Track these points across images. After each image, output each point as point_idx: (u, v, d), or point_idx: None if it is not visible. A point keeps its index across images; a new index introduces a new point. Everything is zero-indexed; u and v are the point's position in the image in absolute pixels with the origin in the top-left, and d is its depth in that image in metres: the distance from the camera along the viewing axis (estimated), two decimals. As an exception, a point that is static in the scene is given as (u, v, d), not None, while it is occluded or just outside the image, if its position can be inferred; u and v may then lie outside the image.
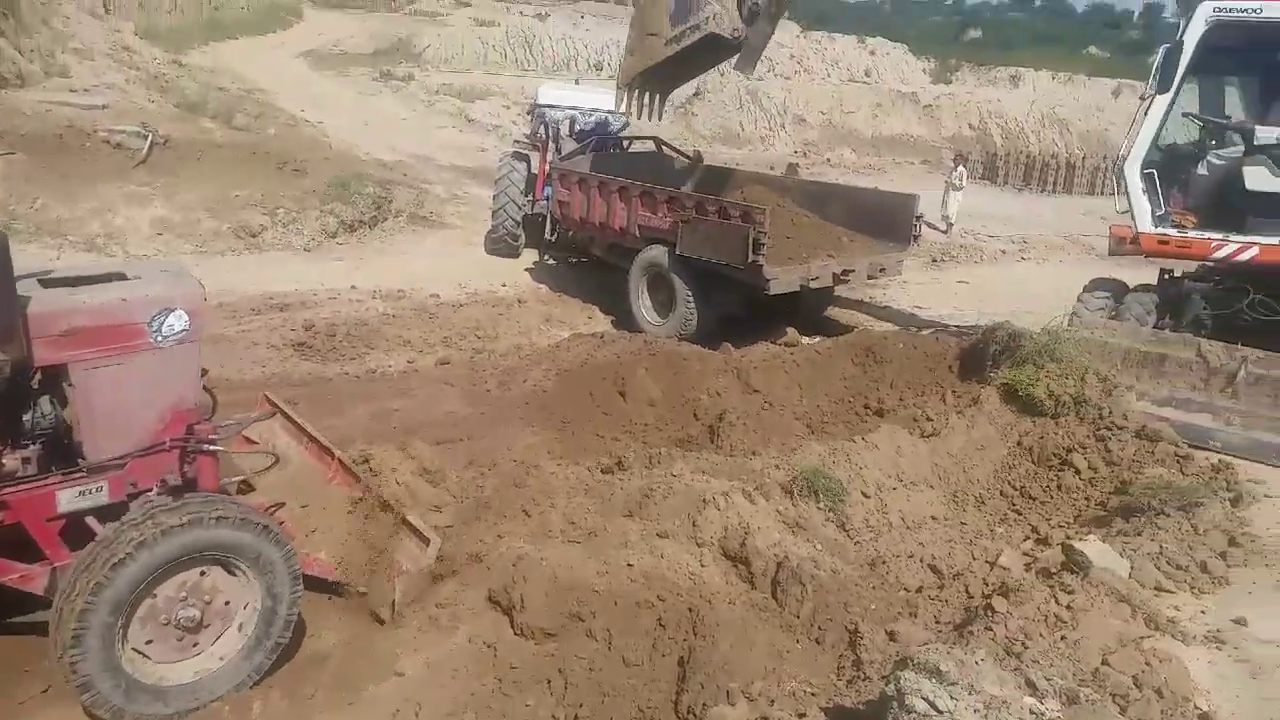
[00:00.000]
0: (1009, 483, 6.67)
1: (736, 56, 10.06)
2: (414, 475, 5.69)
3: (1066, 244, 19.22)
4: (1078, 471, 6.51)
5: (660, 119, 11.84)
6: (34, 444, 4.07)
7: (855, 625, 4.53)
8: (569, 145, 14.18)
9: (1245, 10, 8.04)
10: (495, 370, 9.50)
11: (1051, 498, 6.46)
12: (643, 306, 11.36)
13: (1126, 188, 8.69)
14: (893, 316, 12.73)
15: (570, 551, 4.91)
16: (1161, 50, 8.44)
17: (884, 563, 5.49)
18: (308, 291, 11.79)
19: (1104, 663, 3.91)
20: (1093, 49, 67.53)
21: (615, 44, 13.18)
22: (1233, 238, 8.26)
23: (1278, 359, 7.45)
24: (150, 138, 14.77)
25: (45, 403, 4.13)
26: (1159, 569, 5.08)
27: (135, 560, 3.79)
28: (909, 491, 6.37)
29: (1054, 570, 4.98)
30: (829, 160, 29.67)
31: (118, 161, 14.37)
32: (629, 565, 4.70)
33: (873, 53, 46.56)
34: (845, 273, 10.77)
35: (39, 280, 4.10)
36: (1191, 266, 9.18)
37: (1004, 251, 18.12)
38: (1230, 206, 8.44)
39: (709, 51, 10.29)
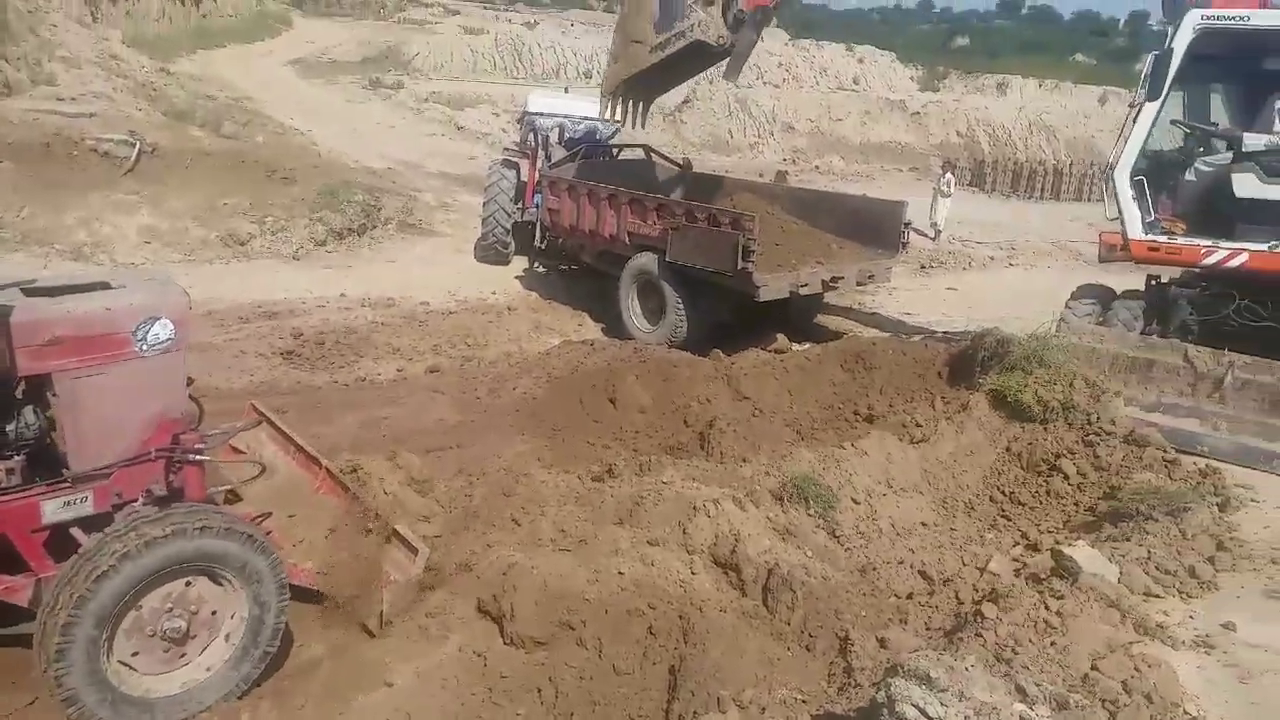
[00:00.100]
0: (998, 488, 6.68)
1: (722, 64, 10.09)
2: (402, 485, 5.66)
3: (1054, 250, 19.31)
4: (1066, 477, 6.52)
5: (644, 126, 11.86)
6: (18, 454, 4.03)
7: (846, 632, 4.52)
8: (558, 153, 14.20)
9: (1233, 18, 8.09)
10: (485, 378, 9.48)
11: (1041, 503, 6.47)
12: (633, 313, 11.35)
13: (1116, 194, 8.71)
14: (882, 323, 12.75)
15: (560, 560, 4.89)
16: (1150, 58, 8.48)
17: (874, 569, 5.49)
18: (296, 300, 11.75)
19: (1093, 668, 3.91)
20: (1079, 56, 68.10)
21: (604, 52, 13.21)
22: (1222, 244, 8.29)
23: (1264, 364, 7.48)
24: (138, 146, 14.71)
25: (29, 413, 4.10)
26: (1148, 574, 5.08)
27: (118, 572, 3.75)
28: (899, 498, 6.37)
29: (1043, 576, 4.99)
30: (818, 167, 29.77)
31: (105, 170, 14.30)
32: (620, 573, 4.68)
33: (861, 61, 46.81)
34: (834, 279, 10.80)
35: (22, 289, 4.07)
36: (1177, 272, 9.22)
37: (992, 258, 18.19)
38: (1218, 213, 8.48)
39: (694, 59, 10.31)
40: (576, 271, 13.71)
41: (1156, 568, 5.15)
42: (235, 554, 4.06)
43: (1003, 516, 6.44)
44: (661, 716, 4.16)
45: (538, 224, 13.68)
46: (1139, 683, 3.80)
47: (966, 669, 3.46)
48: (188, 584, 4.05)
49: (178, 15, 36.34)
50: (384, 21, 53.41)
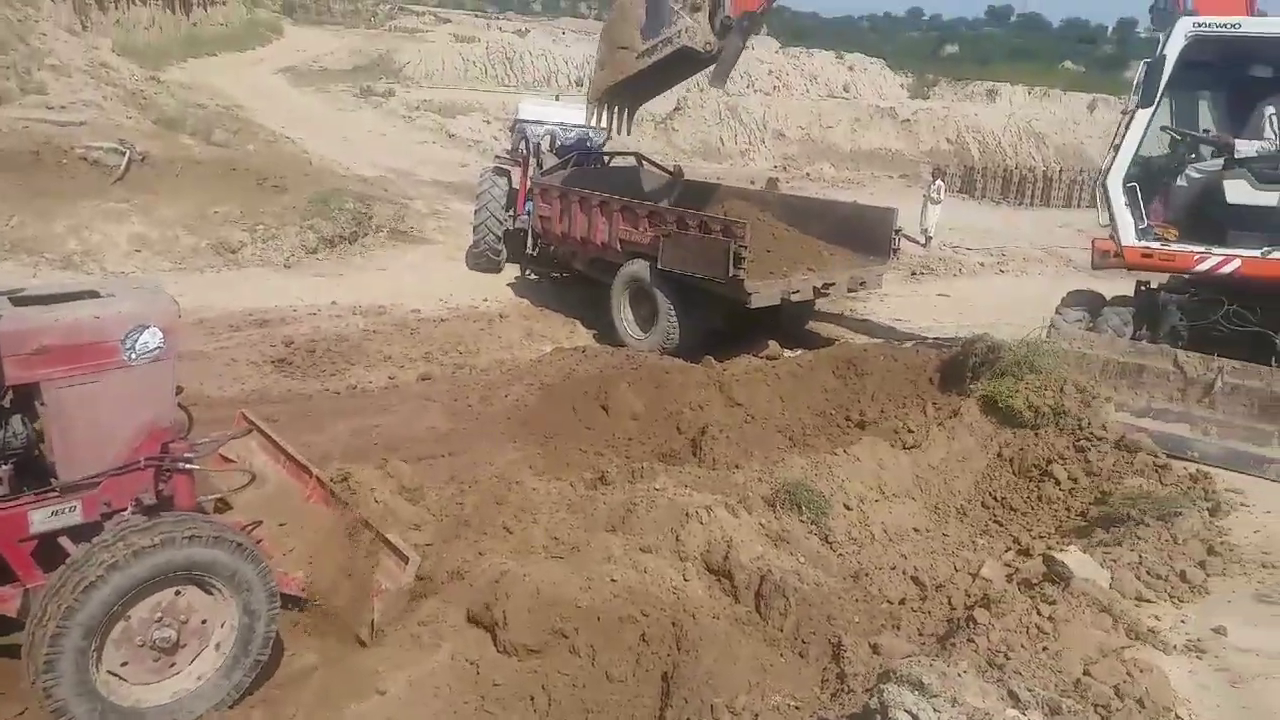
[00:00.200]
0: (990, 494, 6.69)
1: (709, 70, 10.11)
2: (393, 493, 5.64)
3: (1044, 256, 19.38)
4: (1058, 482, 6.54)
5: (629, 132, 11.87)
6: (5, 464, 4.01)
7: (838, 638, 4.52)
8: (550, 160, 14.20)
9: (1224, 25, 8.14)
10: (477, 385, 9.47)
11: (1032, 508, 6.48)
12: (625, 320, 11.36)
13: (1109, 201, 8.71)
14: (873, 329, 12.78)
15: (553, 567, 4.88)
16: (1142, 65, 8.50)
17: (867, 575, 5.49)
18: (287, 307, 11.73)
19: (1086, 673, 3.92)
20: (1068, 64, 68.44)
21: (595, 60, 13.20)
22: (1215, 250, 8.32)
23: (1253, 369, 7.52)
24: (128, 154, 14.68)
25: (17, 422, 4.08)
26: (1139, 579, 5.10)
27: (107, 582, 3.73)
28: (891, 504, 6.38)
29: (1035, 581, 4.99)
30: (808, 174, 29.85)
31: (95, 178, 14.27)
32: (612, 580, 4.68)
33: (851, 68, 46.96)
34: (826, 286, 10.82)
35: (10, 298, 4.05)
36: (1166, 278, 9.25)
37: (982, 264, 18.25)
38: (1209, 219, 8.51)
39: (681, 65, 10.33)
40: (568, 279, 13.71)
41: (1148, 572, 5.16)
42: (225, 563, 4.04)
43: (994, 522, 6.45)
44: (654, 724, 4.15)
45: (529, 231, 13.68)
46: (1131, 687, 3.81)
47: (959, 675, 3.46)
48: (177, 593, 4.03)
49: (168, 24, 36.26)
50: (375, 30, 53.34)
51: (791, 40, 53.79)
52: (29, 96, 16.42)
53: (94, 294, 4.28)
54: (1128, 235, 8.63)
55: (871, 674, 4.18)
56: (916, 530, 6.25)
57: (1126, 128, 8.62)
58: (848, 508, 6.09)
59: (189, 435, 4.58)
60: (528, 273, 14.45)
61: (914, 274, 16.61)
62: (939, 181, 20.35)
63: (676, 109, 32.23)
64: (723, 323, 10.96)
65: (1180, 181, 8.82)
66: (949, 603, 5.16)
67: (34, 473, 4.14)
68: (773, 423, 8.26)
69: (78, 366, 3.98)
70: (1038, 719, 3.32)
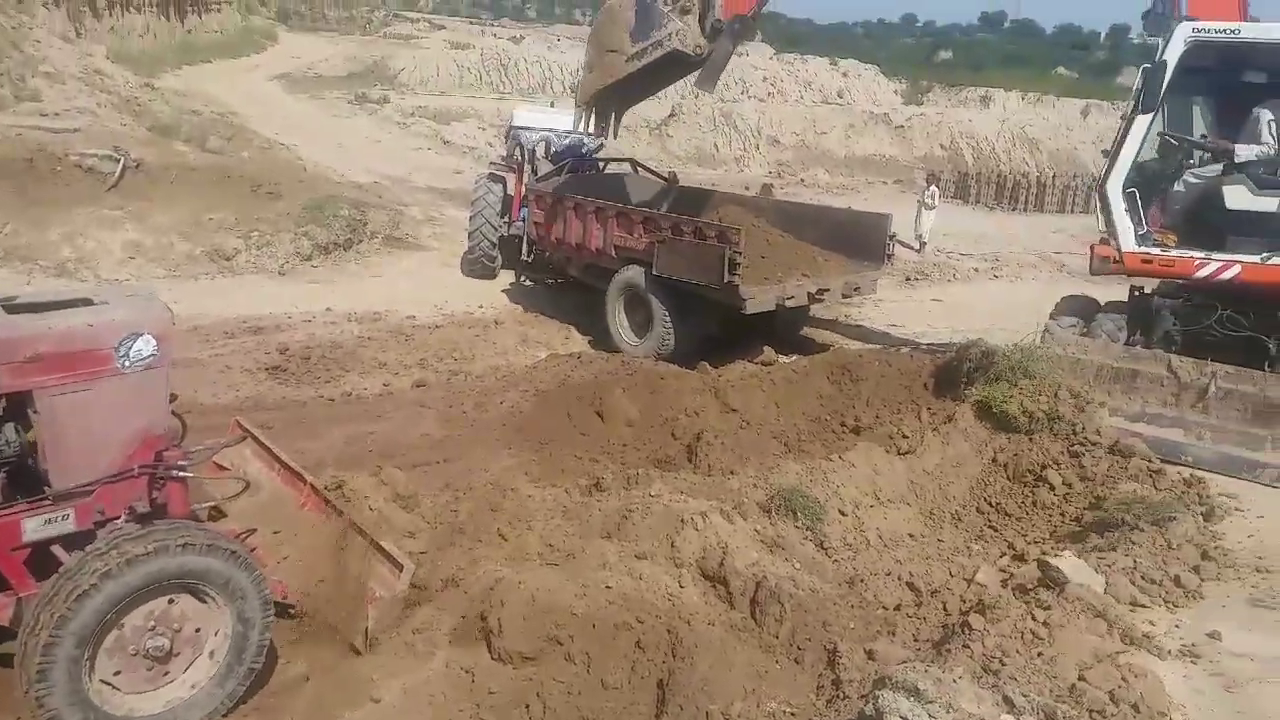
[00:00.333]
0: (985, 499, 6.70)
1: (698, 73, 10.09)
2: (387, 501, 5.65)
3: (1039, 262, 19.42)
4: (1052, 487, 6.55)
5: (616, 135, 11.86)
6: (-2, 472, 4.00)
7: (834, 644, 4.52)
8: (545, 167, 14.22)
9: (1223, 30, 8.17)
10: (472, 392, 9.46)
11: (1027, 514, 6.49)
12: (620, 326, 11.36)
13: (1109, 207, 8.69)
14: (868, 335, 12.80)
15: (548, 574, 4.87)
16: (1141, 70, 8.49)
17: (862, 581, 5.49)
18: (282, 314, 11.71)
19: (1080, 679, 3.92)
20: (1061, 70, 68.62)
21: (583, 63, 13.09)
22: (1215, 256, 8.31)
23: (1246, 374, 7.54)
24: (122, 161, 14.65)
25: (10, 429, 4.07)
26: (1133, 584, 5.10)
27: (100, 591, 3.72)
28: (886, 509, 6.39)
29: (1030, 586, 5.00)
30: (803, 180, 29.87)
31: (89, 185, 14.23)
32: (607, 587, 4.67)
33: (845, 74, 47.06)
34: (820, 292, 10.83)
35: (3, 306, 4.05)
36: (1156, 283, 9.26)
37: (977, 270, 18.28)
38: (1208, 225, 8.52)
39: (671, 68, 10.31)
40: (563, 285, 13.71)
41: (1142, 577, 5.17)
42: (219, 571, 4.03)
43: (989, 527, 6.46)
44: (650, 731, 4.14)
45: (524, 238, 13.69)
46: (1126, 693, 3.82)
47: (954, 680, 3.47)
48: (171, 601, 4.02)
49: (162, 31, 36.29)
50: (370, 36, 53.45)
51: (786, 46, 53.97)
52: (23, 104, 16.40)
53: (88, 301, 4.27)
54: (1127, 241, 8.61)
55: (867, 680, 4.18)
56: (911, 536, 6.26)
57: (1125, 133, 8.61)
58: (843, 513, 6.10)
59: (183, 443, 4.58)
60: (523, 279, 14.45)
61: (908, 279, 16.63)
62: (933, 187, 20.36)
63: (671, 115, 32.26)
64: (717, 329, 10.96)
65: (1178, 187, 8.83)
66: (944, 608, 5.16)
67: (27, 481, 4.13)
68: (768, 428, 8.27)
69: (71, 374, 3.98)
70: (1033, 725, 3.33)
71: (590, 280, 12.24)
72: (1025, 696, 3.50)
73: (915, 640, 4.89)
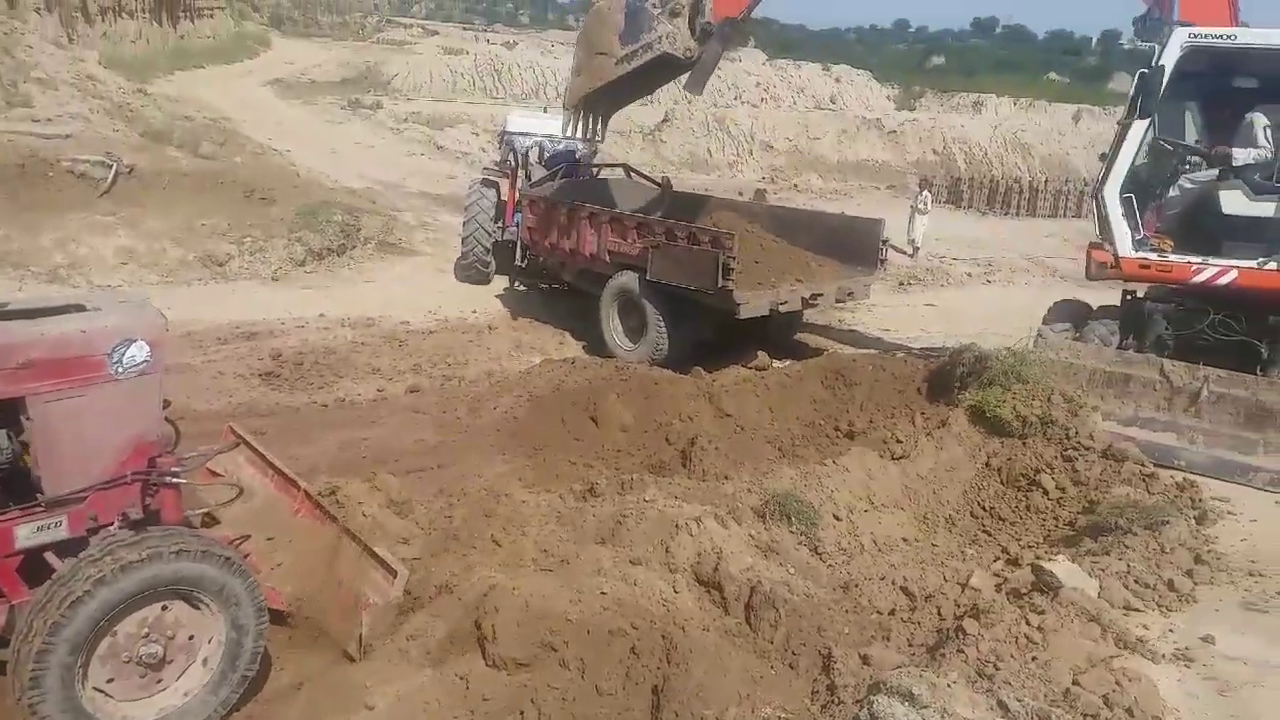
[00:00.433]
0: (978, 504, 6.71)
1: (686, 76, 10.09)
2: (381, 507, 5.63)
3: (1031, 266, 19.49)
4: (1046, 492, 6.56)
5: (603, 139, 11.85)
6: (-10, 479, 3.98)
7: (829, 649, 4.52)
8: (538, 172, 14.23)
9: (1220, 36, 8.19)
10: (466, 397, 9.45)
11: (1021, 518, 6.50)
12: (614, 332, 11.36)
13: (1106, 212, 8.69)
14: (861, 340, 12.82)
15: (542, 580, 4.87)
16: (1138, 75, 8.49)
17: (856, 586, 5.49)
18: (275, 320, 11.69)
19: (1075, 683, 3.93)
20: (1053, 75, 68.92)
21: (571, 66, 12.96)
22: (1212, 261, 8.33)
23: (1238, 378, 7.57)
24: (115, 167, 14.62)
25: (2, 436, 4.04)
26: (1127, 588, 5.12)
27: (93, 598, 3.70)
28: (880, 514, 6.39)
29: (1024, 591, 5.01)
30: (796, 186, 29.94)
31: (82, 191, 14.21)
32: (602, 593, 4.66)
33: (838, 80, 47.22)
34: (814, 297, 10.85)
35: (-5, 312, 4.02)
36: (1146, 287, 9.28)
37: (969, 274, 18.33)
38: (1203, 230, 8.54)
39: (659, 71, 10.30)
40: (557, 290, 13.72)
41: (1136, 581, 5.18)
42: (212, 577, 4.02)
43: (983, 532, 6.47)
44: (645, 737, 4.14)
45: (518, 243, 13.70)
46: (1120, 697, 3.82)
47: (949, 685, 3.47)
48: (164, 608, 4.00)
49: (155, 36, 36.23)
50: (363, 42, 53.39)
51: (779, 52, 54.13)
52: (15, 109, 16.33)
53: (80, 308, 4.26)
54: (1124, 246, 8.61)
55: (862, 685, 4.18)
56: (905, 540, 6.26)
57: (1122, 138, 8.60)
58: (837, 518, 6.11)
59: (176, 449, 4.56)
60: (516, 284, 14.45)
61: (901, 284, 16.67)
62: (926, 192, 20.44)
63: (665, 121, 32.33)
64: (711, 334, 10.98)
65: (1173, 192, 8.85)
66: (938, 613, 5.17)
67: (19, 487, 4.11)
68: (762, 433, 8.28)
69: (64, 380, 3.96)
70: (1027, 729, 3.33)
71: (584, 285, 12.24)
72: (1020, 701, 3.51)
73: (910, 645, 4.89)
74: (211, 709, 4.13)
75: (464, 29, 65.00)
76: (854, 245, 11.56)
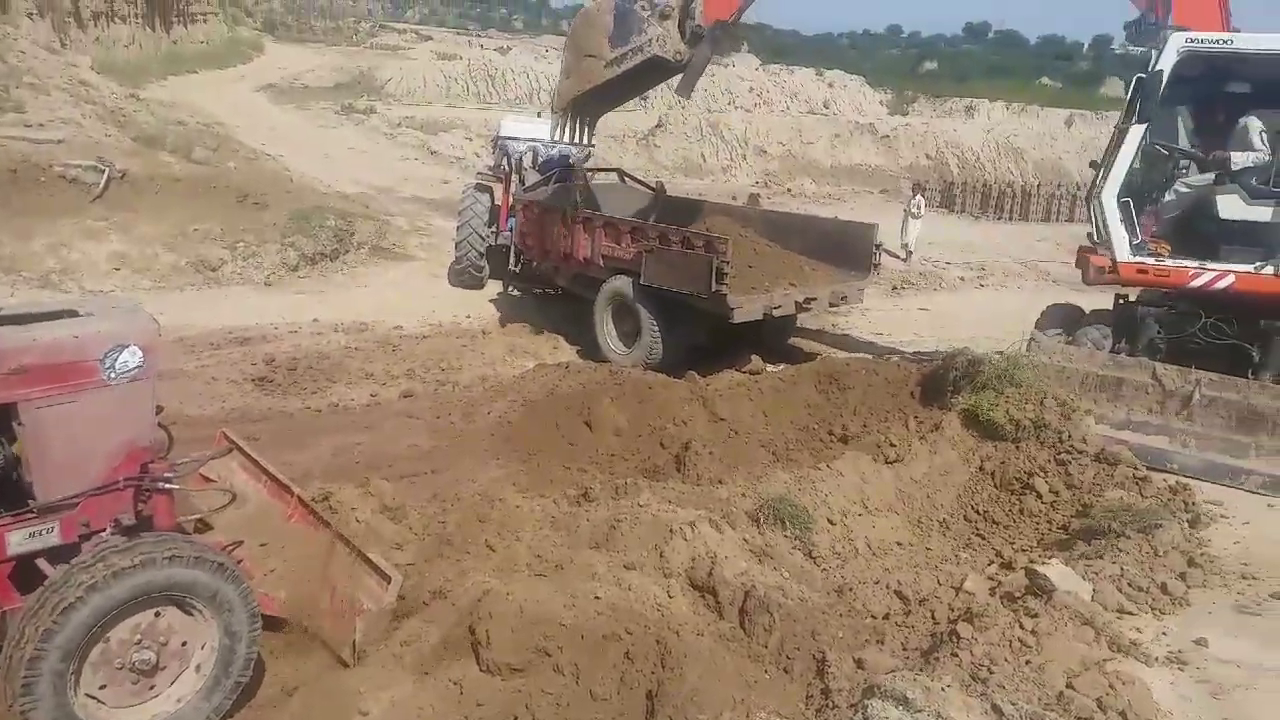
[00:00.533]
0: (972, 507, 6.72)
1: (678, 79, 10.08)
2: (375, 512, 5.62)
3: (1024, 270, 19.55)
4: (1039, 495, 6.58)
5: (590, 141, 11.83)
6: (-19, 485, 3.97)
7: (823, 653, 4.52)
8: (532, 177, 14.23)
9: (1216, 41, 8.22)
10: (459, 402, 9.44)
11: (1014, 522, 6.51)
12: (608, 336, 11.36)
13: (1104, 216, 8.69)
14: (855, 344, 12.83)
15: (536, 585, 4.86)
16: (1135, 80, 8.49)
17: (851, 590, 5.50)
18: (268, 325, 11.67)
19: (1069, 686, 3.93)
20: (1045, 80, 69.14)
21: (560, 68, 12.83)
22: (1210, 266, 8.34)
23: (1230, 381, 7.60)
24: (107, 172, 14.58)
25: (-7, 442, 4.03)
26: (1120, 591, 5.13)
27: (86, 604, 3.69)
28: (874, 518, 6.40)
29: (1018, 594, 5.01)
30: (789, 190, 29.99)
31: (74, 196, 14.17)
32: (596, 598, 4.66)
33: (831, 85, 47.33)
34: (807, 301, 10.86)
35: (-13, 318, 4.01)
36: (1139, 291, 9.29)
37: (963, 279, 18.37)
38: (1200, 235, 8.55)
39: (649, 74, 10.27)
40: (551, 295, 13.72)
41: (1129, 584, 5.20)
42: (205, 583, 4.00)
43: (977, 535, 6.48)
44: (639, 742, 4.13)
45: (512, 248, 13.69)
46: (1113, 700, 3.83)
47: (943, 689, 3.47)
48: (157, 614, 3.99)
49: (148, 41, 36.17)
50: (356, 47, 53.46)
51: (772, 57, 54.19)
52: (6, 115, 16.27)
53: (73, 313, 4.24)
54: (1123, 251, 8.62)
55: (856, 689, 4.18)
56: (899, 544, 6.27)
57: (1120, 142, 8.60)
58: (831, 522, 6.11)
59: (169, 455, 4.55)
60: (510, 289, 14.46)
61: (895, 289, 16.70)
62: (919, 197, 20.49)
63: (658, 125, 32.37)
64: (705, 338, 10.98)
65: (1169, 196, 8.86)
66: (932, 617, 5.17)
67: (11, 493, 4.10)
68: (756, 438, 8.28)
69: (56, 386, 3.94)
70: (1021, 732, 3.33)
71: (578, 290, 12.24)
72: (1014, 705, 3.51)
73: (904, 649, 4.90)
74: (204, 715, 4.11)
75: (458, 34, 65.04)
76: (847, 250, 11.58)
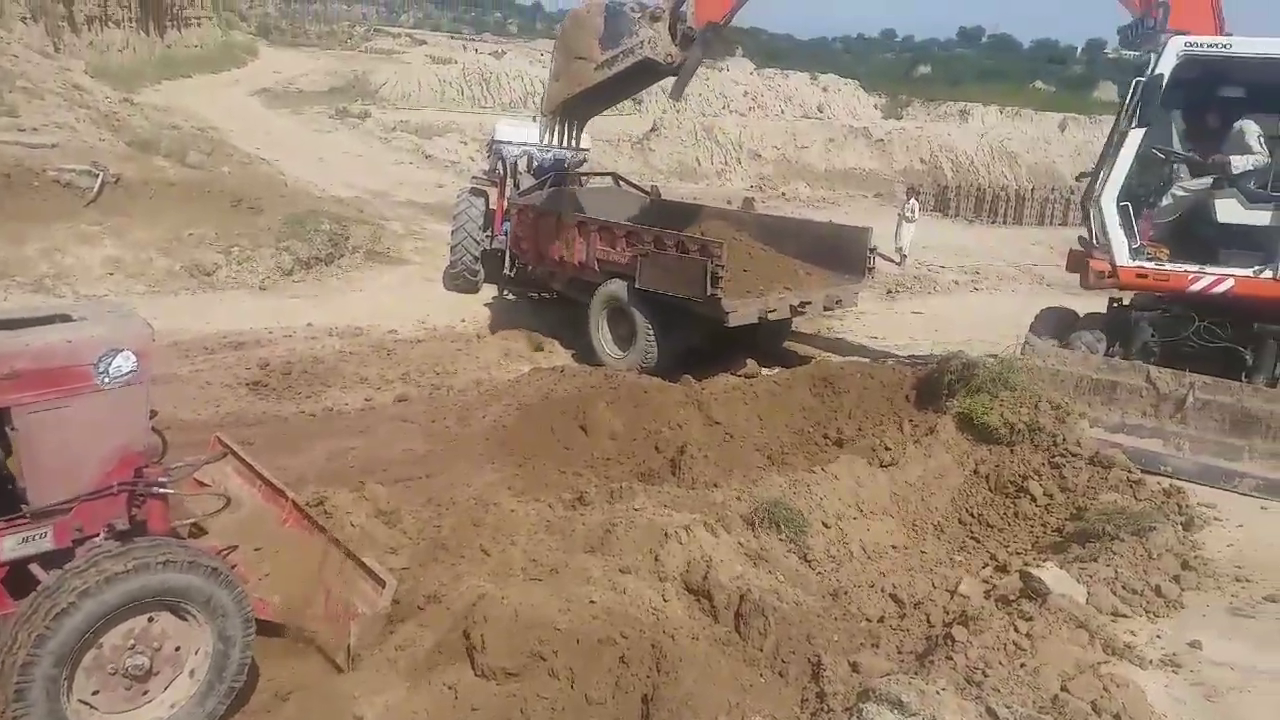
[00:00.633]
0: (967, 510, 6.73)
1: (672, 83, 10.05)
2: (369, 516, 5.62)
3: (1018, 274, 19.59)
4: (1034, 498, 6.58)
5: (578, 144, 11.80)
6: (-25, 490, 3.95)
7: (818, 657, 4.52)
8: (527, 181, 14.23)
9: (1215, 44, 8.23)
10: (454, 406, 9.43)
11: (1009, 525, 6.52)
12: (603, 340, 11.37)
13: (1103, 221, 8.64)
14: (849, 347, 12.85)
15: (531, 589, 4.85)
16: (1134, 84, 8.43)
17: (845, 593, 5.50)
18: (263, 330, 11.65)
19: (1063, 689, 3.94)
20: (1038, 84, 69.28)
21: (549, 71, 12.77)
22: (1209, 270, 8.31)
23: (1224, 385, 7.61)
24: (101, 176, 14.56)
25: (-13, 447, 4.02)
26: (1115, 594, 5.13)
27: (79, 609, 3.68)
28: (869, 521, 6.40)
29: (1012, 597, 5.02)
30: (784, 194, 30.01)
31: (68, 201, 14.14)
32: (591, 602, 4.65)
33: (825, 89, 47.36)
34: (802, 304, 10.88)
35: (-20, 322, 4.00)
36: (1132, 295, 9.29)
37: (957, 282, 18.41)
38: (1198, 239, 8.55)
39: (639, 76, 10.22)
40: (546, 299, 13.72)
41: (1123, 587, 5.20)
42: (199, 588, 3.99)
43: (971, 538, 6.49)
44: (634, 746, 4.13)
45: (506, 252, 13.69)
46: (1108, 703, 3.84)
47: (937, 692, 3.48)
48: (150, 619, 3.97)
49: (142, 46, 36.12)
50: (351, 51, 53.47)
51: (766, 62, 54.31)
52: (0, 119, 16.27)
53: (66, 317, 4.24)
54: (1122, 255, 8.59)
55: (851, 693, 4.18)
56: (894, 548, 6.28)
57: (1119, 146, 8.54)
58: (826, 526, 6.11)
59: (163, 459, 4.53)
60: (505, 293, 14.45)
61: (889, 292, 16.73)
62: (913, 200, 20.51)
63: (653, 130, 32.38)
64: (701, 341, 11.00)
65: (1166, 200, 8.86)
66: (927, 620, 5.18)
67: (4, 498, 4.09)
68: (751, 441, 8.28)
69: (49, 391, 3.93)
70: (1016, 735, 3.34)
71: (573, 294, 12.25)
72: (1008, 708, 3.52)
73: (899, 652, 4.90)
74: (198, 721, 4.10)
75: (452, 38, 65.11)
76: (842, 253, 11.61)
